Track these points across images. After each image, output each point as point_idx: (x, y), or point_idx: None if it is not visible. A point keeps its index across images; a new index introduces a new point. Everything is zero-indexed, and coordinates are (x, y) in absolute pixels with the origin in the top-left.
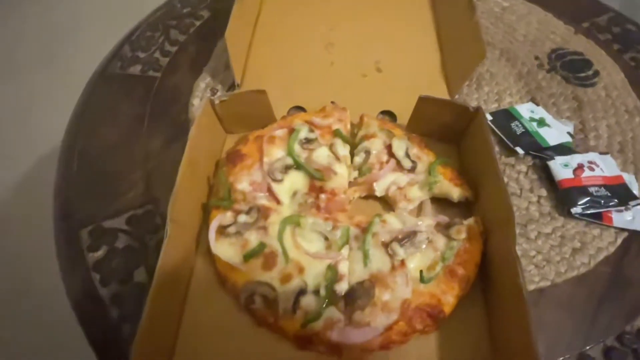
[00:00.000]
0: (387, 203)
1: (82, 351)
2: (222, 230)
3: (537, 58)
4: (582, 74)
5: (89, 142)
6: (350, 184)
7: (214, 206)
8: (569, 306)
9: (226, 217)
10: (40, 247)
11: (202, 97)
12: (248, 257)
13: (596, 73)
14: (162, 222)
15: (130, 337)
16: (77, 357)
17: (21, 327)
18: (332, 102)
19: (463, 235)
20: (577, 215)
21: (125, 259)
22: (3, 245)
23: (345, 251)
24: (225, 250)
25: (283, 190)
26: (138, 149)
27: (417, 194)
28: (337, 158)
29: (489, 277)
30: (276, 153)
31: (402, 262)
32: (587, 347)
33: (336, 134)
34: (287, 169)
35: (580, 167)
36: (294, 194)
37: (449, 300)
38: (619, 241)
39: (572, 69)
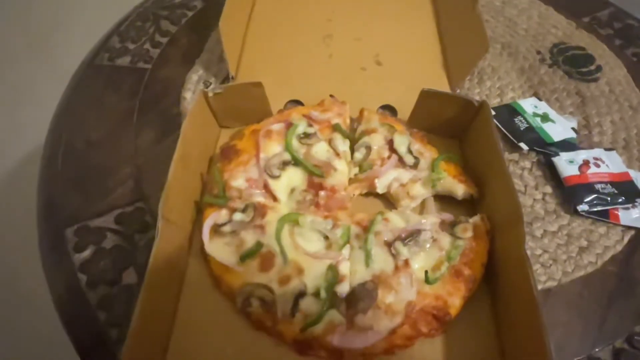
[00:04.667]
0: (388, 201)
1: (69, 356)
2: (216, 229)
3: (539, 52)
4: (585, 69)
5: (74, 137)
6: (351, 181)
7: (207, 204)
8: (577, 307)
9: (221, 215)
10: (25, 247)
11: (194, 90)
12: (244, 257)
13: (599, 68)
14: (153, 221)
15: (118, 342)
16: None
17: (3, 330)
18: (331, 96)
19: (469, 234)
20: (583, 213)
21: (113, 259)
22: None
23: (346, 251)
24: (220, 250)
25: (280, 186)
26: (127, 144)
27: (420, 191)
28: (337, 154)
29: (495, 278)
30: (273, 148)
31: (406, 262)
32: (596, 349)
33: (335, 128)
34: (284, 164)
35: (585, 163)
36: (292, 191)
37: (455, 301)
38: (626, 239)
39: (575, 64)
